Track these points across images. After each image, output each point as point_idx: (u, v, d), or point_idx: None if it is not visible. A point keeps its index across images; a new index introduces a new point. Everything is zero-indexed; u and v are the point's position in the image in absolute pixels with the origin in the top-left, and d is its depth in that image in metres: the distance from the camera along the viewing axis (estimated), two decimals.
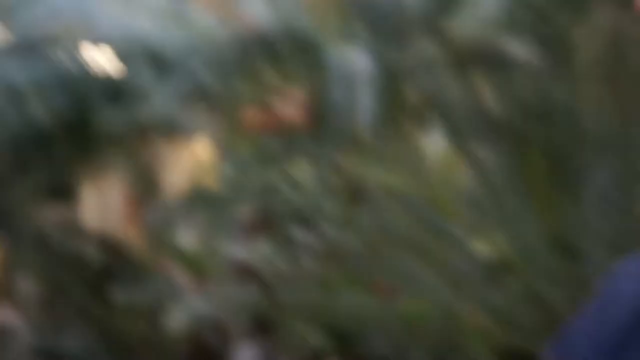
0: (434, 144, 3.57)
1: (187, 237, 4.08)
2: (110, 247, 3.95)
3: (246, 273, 3.63)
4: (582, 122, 2.88)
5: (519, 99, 3.00)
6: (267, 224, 3.28)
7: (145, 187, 4.05)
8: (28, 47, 3.44)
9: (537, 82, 2.96)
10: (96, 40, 3.40)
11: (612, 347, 0.74)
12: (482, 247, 2.99)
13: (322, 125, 3.32)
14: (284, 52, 3.40)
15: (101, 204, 3.95)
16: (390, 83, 3.29)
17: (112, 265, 3.88)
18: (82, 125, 3.35)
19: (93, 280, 3.80)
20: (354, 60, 3.37)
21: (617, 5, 3.04)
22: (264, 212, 3.12)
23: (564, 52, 2.88)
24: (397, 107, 3.33)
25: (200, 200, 3.43)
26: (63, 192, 3.58)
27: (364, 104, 3.21)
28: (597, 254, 2.89)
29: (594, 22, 2.83)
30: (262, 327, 4.11)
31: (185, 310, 3.07)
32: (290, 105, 3.66)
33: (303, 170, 3.06)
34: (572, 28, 2.88)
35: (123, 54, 3.28)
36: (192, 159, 5.01)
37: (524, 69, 2.98)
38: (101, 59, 3.38)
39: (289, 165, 3.24)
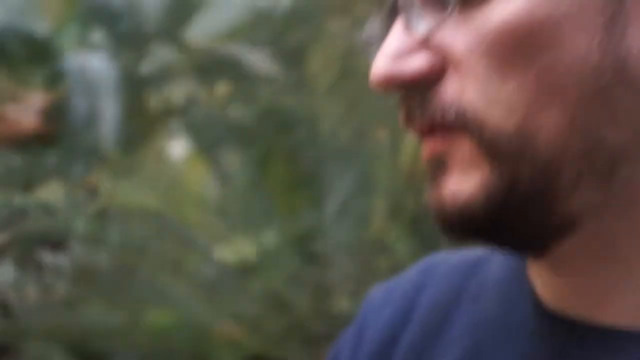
0: (178, 150, 3.64)
1: None
2: None
3: None
4: (321, 133, 2.95)
5: (261, 105, 3.07)
6: (12, 247, 3.13)
7: None
8: None
9: (278, 92, 3.03)
10: None
11: None
12: (228, 254, 3.00)
13: (64, 135, 3.25)
14: (17, 55, 3.32)
15: None
16: (133, 90, 3.30)
17: None
18: None
19: None
20: (94, 66, 3.36)
21: (348, 23, 3.23)
22: (9, 234, 2.97)
23: (300, 65, 2.96)
24: (140, 114, 3.35)
25: None
26: None
27: (107, 111, 3.20)
28: (338, 260, 2.96)
29: (326, 37, 2.91)
30: (2, 350, 4.00)
31: None
32: (27, 113, 3.57)
33: (51, 190, 2.96)
34: (307, 43, 2.97)
35: None
36: None
37: (265, 80, 3.05)
38: None
39: (36, 185, 3.13)
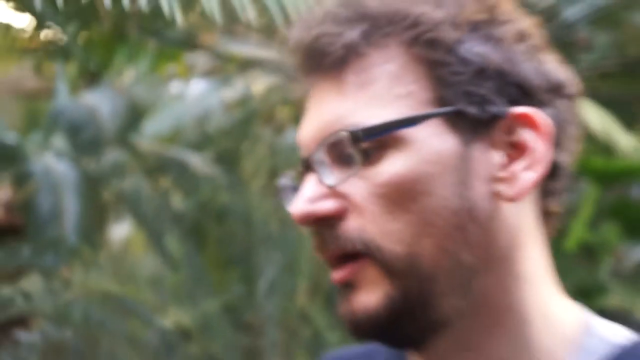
0: (123, 233, 3.78)
1: None
2: None
3: None
4: (253, 223, 3.04)
5: (199, 199, 3.21)
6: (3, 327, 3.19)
7: None
8: None
9: (214, 187, 3.16)
10: None
11: None
12: (170, 322, 3.06)
13: (32, 228, 3.30)
14: None
15: None
16: (91, 187, 3.37)
17: None
18: None
19: None
20: (57, 168, 3.41)
21: (273, 129, 3.46)
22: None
23: (233, 165, 3.13)
24: (97, 207, 3.43)
25: None
26: None
27: (70, 207, 3.24)
28: (268, 328, 3.05)
29: (256, 142, 3.10)
30: None
31: None
32: None
33: (31, 280, 2.99)
34: (240, 147, 3.13)
35: None
36: None
37: (204, 178, 3.16)
38: None
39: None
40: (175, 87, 4.34)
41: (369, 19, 0.71)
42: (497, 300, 0.72)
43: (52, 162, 3.52)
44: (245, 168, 3.11)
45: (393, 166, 0.69)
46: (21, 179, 3.58)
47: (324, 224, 0.70)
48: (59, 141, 3.63)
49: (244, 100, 3.43)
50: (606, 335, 0.73)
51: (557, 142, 0.72)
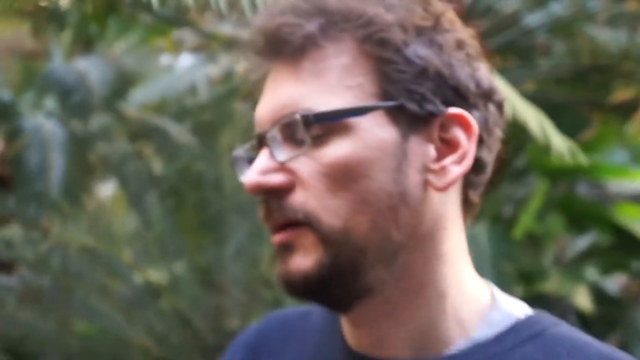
0: (108, 193, 3.80)
1: None
2: None
3: None
4: (224, 190, 3.07)
5: (178, 166, 3.25)
6: None
7: None
8: None
9: (192, 156, 3.22)
10: None
11: None
12: (143, 278, 3.09)
13: (22, 182, 3.36)
14: None
15: None
16: (77, 148, 3.40)
17: None
18: None
19: None
20: (47, 127, 3.46)
21: (249, 106, 3.49)
22: None
23: (211, 136, 3.16)
24: (82, 167, 3.45)
25: None
26: None
27: (57, 164, 3.29)
28: (233, 289, 3.09)
29: (231, 122, 3.10)
30: None
31: None
32: None
33: (12, 229, 3.00)
34: (218, 121, 3.15)
35: None
36: None
37: (184, 146, 3.24)
38: None
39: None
40: (163, 60, 4.34)
41: (327, 14, 0.74)
42: (419, 275, 0.75)
43: (43, 121, 3.56)
44: (222, 140, 3.11)
45: (338, 150, 0.72)
46: (13, 135, 3.63)
47: (271, 195, 0.73)
48: (51, 102, 3.69)
49: (226, 77, 3.46)
50: (509, 310, 0.77)
51: (482, 141, 0.75)
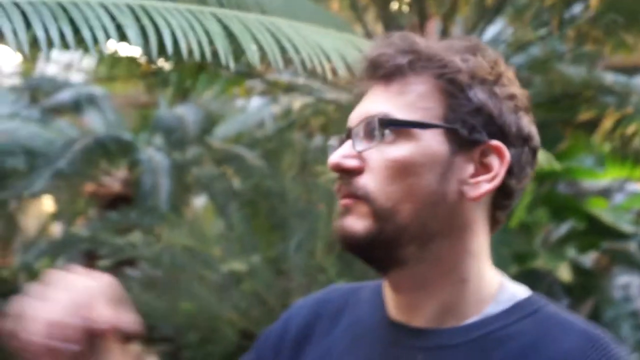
0: (201, 205, 3.80)
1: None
2: None
3: None
4: (287, 200, 3.04)
5: (252, 183, 3.22)
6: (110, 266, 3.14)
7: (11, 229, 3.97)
8: None
9: (262, 175, 3.18)
10: None
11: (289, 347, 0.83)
12: (228, 268, 3.04)
13: (139, 199, 3.35)
14: (112, 150, 3.42)
15: None
16: (178, 172, 3.41)
17: None
18: None
19: None
20: (156, 157, 3.49)
21: (305, 135, 3.47)
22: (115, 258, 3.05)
23: (276, 159, 3.14)
24: (182, 186, 3.45)
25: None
26: None
27: (164, 185, 3.32)
28: (296, 275, 3.03)
29: (291, 148, 3.09)
30: None
31: None
32: (115, 183, 3.72)
33: (135, 235, 2.92)
34: (280, 147, 3.14)
35: (8, 149, 3.16)
36: (41, 213, 4.86)
37: (256, 168, 3.21)
38: None
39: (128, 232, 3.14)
40: (238, 103, 4.30)
41: (416, 53, 0.73)
42: (447, 261, 0.73)
43: (153, 153, 3.58)
44: (284, 162, 3.10)
45: (402, 150, 0.71)
46: (133, 164, 3.65)
47: (345, 174, 0.72)
48: (158, 139, 3.70)
49: (286, 114, 3.44)
50: (513, 293, 0.75)
51: (513, 172, 0.72)
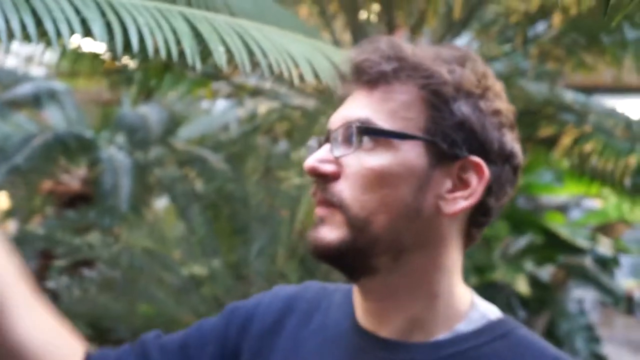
0: (162, 207, 3.77)
1: None
2: None
3: (42, 290, 3.51)
4: (250, 204, 3.00)
5: (215, 186, 3.19)
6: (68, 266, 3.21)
7: None
8: None
9: (225, 178, 3.16)
10: None
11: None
12: (188, 271, 2.99)
13: (99, 198, 3.30)
14: (72, 147, 3.35)
15: None
16: (140, 172, 3.37)
17: None
18: None
19: None
20: (118, 157, 3.45)
21: (269, 139, 3.44)
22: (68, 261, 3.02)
23: (240, 163, 3.12)
24: (143, 187, 3.40)
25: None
26: None
27: (125, 185, 3.28)
28: (257, 280, 2.98)
29: (255, 152, 3.08)
30: None
31: None
32: (75, 180, 3.65)
33: (93, 235, 2.88)
34: (244, 151, 3.12)
35: None
36: None
37: (219, 171, 3.19)
38: None
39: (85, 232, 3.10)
40: (203, 105, 4.30)
41: (402, 61, 0.72)
42: (418, 275, 0.71)
43: (115, 153, 3.55)
44: (248, 166, 3.07)
45: (379, 159, 0.69)
46: (93, 163, 3.61)
47: (321, 179, 0.72)
48: (120, 138, 3.65)
49: (251, 118, 3.42)
50: (484, 312, 0.74)
51: (492, 190, 0.71)
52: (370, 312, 0.74)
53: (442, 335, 0.72)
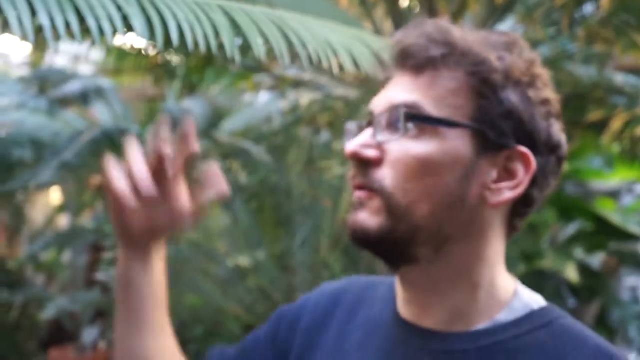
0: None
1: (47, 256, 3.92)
2: None
3: (93, 282, 3.63)
4: (293, 195, 3.00)
5: (258, 178, 3.18)
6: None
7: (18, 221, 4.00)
8: None
9: (268, 170, 3.14)
10: None
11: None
12: (233, 263, 3.04)
13: None
14: (120, 142, 3.16)
15: None
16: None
17: None
18: None
19: None
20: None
21: (312, 131, 3.45)
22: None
23: (283, 155, 3.09)
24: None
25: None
26: None
27: None
28: (301, 271, 3.01)
29: (297, 144, 3.06)
30: (101, 315, 4.01)
31: (54, 306, 2.95)
32: None
33: None
34: (287, 142, 3.12)
35: (15, 140, 3.15)
36: (48, 205, 4.90)
37: (263, 163, 3.16)
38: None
39: None
40: (246, 98, 4.33)
41: (450, 46, 0.70)
42: (460, 266, 0.70)
43: None
44: (290, 158, 3.05)
45: (425, 147, 0.68)
46: None
47: (362, 163, 0.70)
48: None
49: (294, 109, 3.42)
50: (527, 301, 0.73)
51: (536, 182, 0.70)
52: (411, 303, 0.74)
53: (482, 325, 0.71)
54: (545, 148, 0.70)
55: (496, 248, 0.72)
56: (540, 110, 0.70)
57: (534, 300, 0.74)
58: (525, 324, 0.70)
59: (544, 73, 0.72)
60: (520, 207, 0.71)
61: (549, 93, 0.72)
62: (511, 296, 0.72)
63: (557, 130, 0.72)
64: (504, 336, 0.69)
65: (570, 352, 0.68)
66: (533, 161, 0.69)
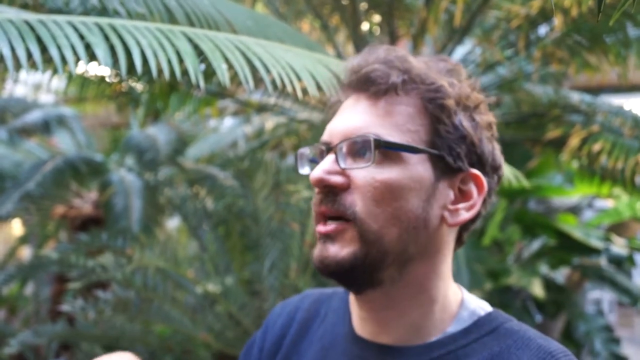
0: (174, 226, 3.77)
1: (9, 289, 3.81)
2: None
3: (57, 314, 3.56)
4: (260, 220, 2.97)
5: (225, 203, 3.18)
6: (85, 288, 3.17)
7: None
8: None
9: (235, 195, 3.15)
10: None
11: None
12: (202, 289, 2.98)
13: (111, 221, 3.28)
14: (83, 171, 3.35)
15: None
16: (150, 193, 3.35)
17: None
18: None
19: None
20: (128, 178, 3.45)
21: (277, 155, 3.44)
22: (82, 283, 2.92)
23: (249, 179, 3.04)
24: (154, 207, 3.38)
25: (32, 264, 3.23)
26: None
27: (136, 206, 3.28)
28: (270, 295, 2.97)
29: (263, 168, 3.00)
30: (66, 348, 3.88)
31: (17, 341, 2.86)
32: (87, 203, 3.65)
33: (106, 257, 2.80)
34: (253, 167, 3.05)
35: None
36: (10, 237, 4.78)
37: (229, 188, 3.19)
38: None
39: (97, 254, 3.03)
40: (211, 124, 4.32)
41: (409, 73, 0.73)
42: (420, 283, 0.73)
43: (125, 174, 3.56)
44: (257, 182, 3.02)
45: (390, 173, 0.69)
46: (104, 185, 3.60)
47: (328, 190, 0.71)
48: (130, 160, 3.64)
49: (259, 133, 3.45)
50: (473, 309, 0.76)
51: (485, 200, 0.75)
52: (368, 321, 0.75)
53: (436, 336, 0.74)
54: (491, 169, 0.75)
55: (448, 262, 0.76)
56: (485, 134, 0.74)
57: (480, 307, 0.77)
58: (472, 332, 0.74)
59: (482, 98, 0.76)
60: (469, 223, 0.76)
61: (492, 117, 0.76)
62: (458, 307, 0.76)
63: (499, 152, 0.76)
64: (454, 346, 0.72)
65: (514, 353, 0.70)
66: (485, 182, 0.73)
